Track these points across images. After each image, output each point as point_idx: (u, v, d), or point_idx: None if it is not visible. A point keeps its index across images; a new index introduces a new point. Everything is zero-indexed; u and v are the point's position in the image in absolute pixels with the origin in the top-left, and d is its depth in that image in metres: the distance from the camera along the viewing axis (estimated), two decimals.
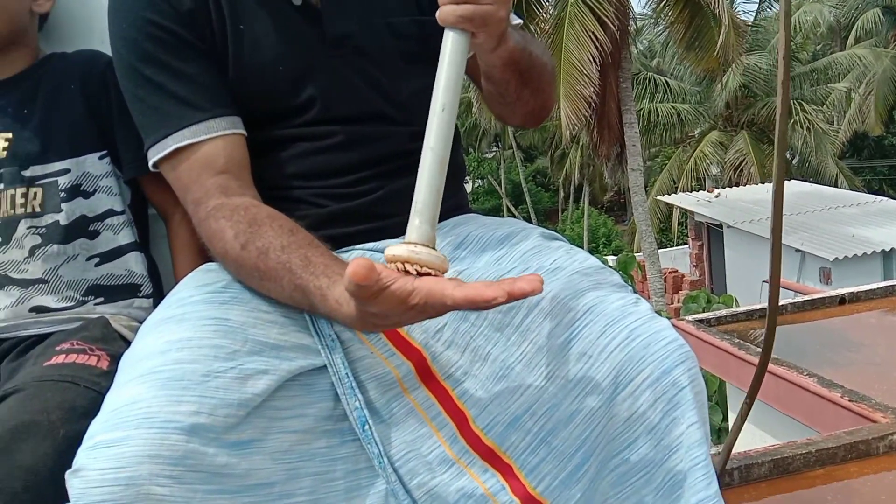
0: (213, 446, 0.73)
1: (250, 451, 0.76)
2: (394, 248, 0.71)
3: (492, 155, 26.40)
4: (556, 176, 23.15)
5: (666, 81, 17.15)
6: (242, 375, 0.77)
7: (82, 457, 0.70)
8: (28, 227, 1.08)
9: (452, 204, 1.04)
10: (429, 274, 0.69)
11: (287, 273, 0.80)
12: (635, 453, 0.77)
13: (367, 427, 0.83)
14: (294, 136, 0.96)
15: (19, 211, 1.08)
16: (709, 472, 0.76)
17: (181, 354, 0.77)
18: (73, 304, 1.09)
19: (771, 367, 3.34)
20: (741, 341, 3.65)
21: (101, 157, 1.13)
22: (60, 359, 0.95)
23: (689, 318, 3.78)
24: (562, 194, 23.99)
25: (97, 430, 0.72)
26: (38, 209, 1.09)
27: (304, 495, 0.79)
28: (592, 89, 9.62)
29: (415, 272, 0.69)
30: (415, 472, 0.84)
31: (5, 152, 1.09)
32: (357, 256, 0.65)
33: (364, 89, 0.97)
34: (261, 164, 0.96)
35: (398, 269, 0.69)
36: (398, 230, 0.91)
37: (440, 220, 0.99)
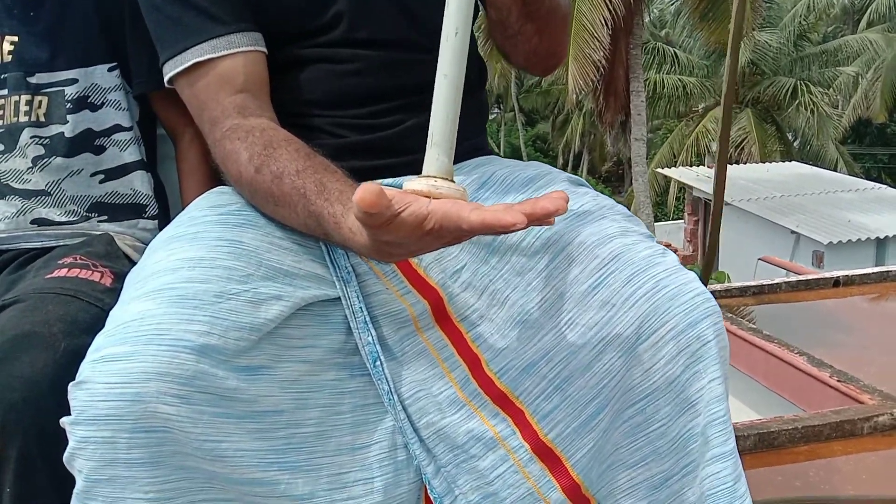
0: (223, 369, 0.71)
1: (260, 377, 0.74)
2: (412, 182, 0.68)
3: (493, 117, 26.16)
4: (557, 142, 23.01)
5: (675, 53, 16.90)
6: (256, 300, 0.75)
7: (87, 369, 0.68)
8: (31, 137, 1.04)
9: (475, 144, 1.00)
10: None
11: (301, 199, 0.76)
12: (652, 404, 0.75)
13: (378, 363, 0.81)
14: (316, 57, 0.91)
15: (23, 119, 1.04)
16: (727, 429, 0.74)
17: (193, 273, 0.74)
18: (76, 218, 1.06)
19: (761, 342, 3.36)
20: (734, 316, 3.66)
21: (110, 70, 1.08)
22: (63, 272, 0.92)
23: None
24: (560, 161, 23.84)
25: (104, 344, 0.69)
26: (42, 118, 1.04)
27: (311, 426, 0.78)
28: (602, 54, 9.48)
29: None
30: (424, 411, 0.82)
31: (10, 56, 1.04)
32: (366, 183, 0.60)
33: (392, 12, 0.92)
34: (280, 87, 0.91)
35: None
36: (422, 166, 0.87)
37: (462, 160, 0.96)
